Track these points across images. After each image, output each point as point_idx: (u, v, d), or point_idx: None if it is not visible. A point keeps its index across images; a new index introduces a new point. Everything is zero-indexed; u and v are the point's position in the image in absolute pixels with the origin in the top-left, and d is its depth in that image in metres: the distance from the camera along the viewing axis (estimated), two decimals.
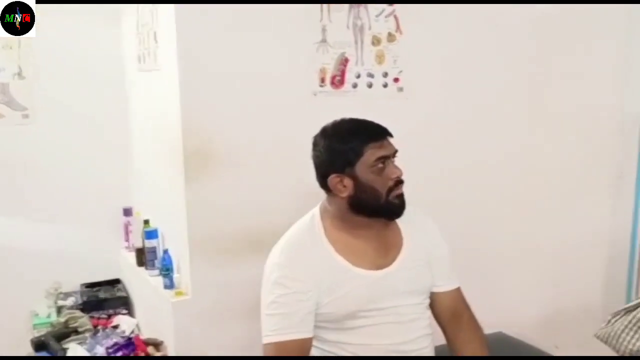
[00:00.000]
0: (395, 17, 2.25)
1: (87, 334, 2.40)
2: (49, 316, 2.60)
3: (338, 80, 2.19)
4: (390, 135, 1.44)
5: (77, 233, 2.77)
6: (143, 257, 2.38)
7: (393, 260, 1.43)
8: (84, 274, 2.81)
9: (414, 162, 2.29)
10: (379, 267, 1.41)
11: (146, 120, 2.51)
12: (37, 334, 2.45)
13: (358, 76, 2.22)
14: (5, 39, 2.50)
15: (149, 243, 2.32)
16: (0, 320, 2.56)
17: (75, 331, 2.48)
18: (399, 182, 1.40)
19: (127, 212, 2.73)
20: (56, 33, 2.56)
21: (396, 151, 1.43)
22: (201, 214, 2.03)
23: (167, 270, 2.13)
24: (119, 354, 2.14)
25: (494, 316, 1.89)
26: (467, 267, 2.41)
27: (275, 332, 1.33)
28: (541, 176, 2.56)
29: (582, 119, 2.55)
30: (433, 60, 2.33)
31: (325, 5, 2.12)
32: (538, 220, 2.56)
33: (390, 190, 1.38)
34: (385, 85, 2.27)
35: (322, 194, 1.53)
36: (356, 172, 1.37)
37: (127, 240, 2.72)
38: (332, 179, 1.38)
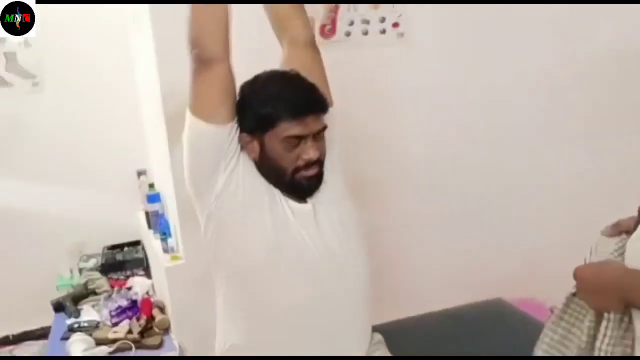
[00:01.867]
0: None
1: (103, 295, 2.47)
2: (71, 278, 2.70)
3: (328, 30, 2.03)
4: (322, 110, 1.27)
5: (98, 196, 2.84)
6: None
7: None
8: (106, 236, 2.88)
9: (420, 118, 2.18)
10: None
11: (144, 83, 2.48)
12: (59, 295, 2.55)
13: (351, 23, 2.05)
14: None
15: (151, 207, 2.32)
16: (27, 281, 2.68)
17: (94, 292, 2.56)
18: (312, 162, 1.26)
19: (141, 174, 2.75)
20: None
21: (322, 128, 1.27)
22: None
23: (164, 234, 2.12)
24: (122, 316, 2.18)
25: None
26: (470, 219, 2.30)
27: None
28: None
29: None
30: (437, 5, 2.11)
31: None
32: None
33: (298, 169, 1.26)
34: (383, 32, 2.09)
35: None
36: (264, 140, 1.26)
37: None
38: (243, 136, 1.28)
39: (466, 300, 1.87)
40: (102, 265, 2.67)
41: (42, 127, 2.69)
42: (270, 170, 1.28)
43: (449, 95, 2.18)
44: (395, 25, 2.09)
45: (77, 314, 2.35)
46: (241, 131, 1.28)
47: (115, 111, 2.79)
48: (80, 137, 2.77)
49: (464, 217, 2.31)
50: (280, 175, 1.27)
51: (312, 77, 1.32)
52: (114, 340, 2.08)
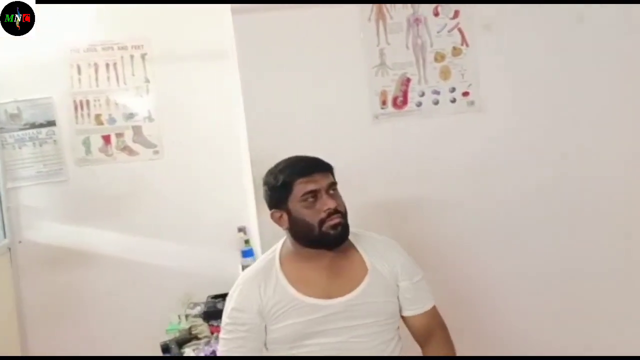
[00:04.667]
0: (460, 30, 2.20)
1: (204, 340, 2.74)
2: (179, 323, 3.01)
3: (400, 101, 2.21)
4: (326, 169, 1.52)
5: (204, 250, 3.15)
6: None
7: (353, 288, 1.47)
8: (211, 286, 3.18)
9: (489, 180, 2.24)
10: (330, 295, 1.46)
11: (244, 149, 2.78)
12: (167, 338, 2.86)
13: (422, 94, 2.21)
14: (135, 88, 2.99)
15: (244, 261, 2.57)
16: (142, 326, 3.03)
17: (197, 337, 2.83)
18: (333, 212, 1.44)
19: (241, 230, 3.04)
20: (174, 82, 3.00)
21: (332, 183, 1.50)
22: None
23: None
24: None
25: None
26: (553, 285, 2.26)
27: (223, 350, 1.50)
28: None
29: None
30: (507, 70, 2.23)
31: (381, 28, 2.17)
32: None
33: (323, 221, 1.45)
34: (453, 101, 2.22)
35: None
36: (289, 207, 1.47)
37: None
38: (273, 214, 1.51)
39: None
40: (204, 312, 2.95)
41: (159, 189, 3.09)
42: (302, 231, 1.48)
43: (521, 159, 2.23)
44: (466, 94, 2.22)
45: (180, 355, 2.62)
46: (270, 210, 1.51)
47: (221, 174, 3.12)
48: (191, 197, 3.12)
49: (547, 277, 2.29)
50: (311, 231, 1.46)
51: None
52: None
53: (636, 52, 2.22)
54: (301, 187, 1.46)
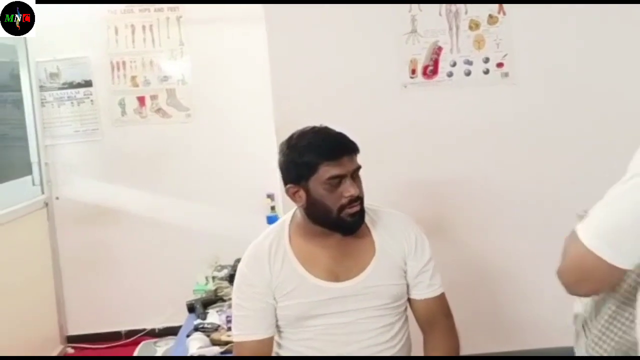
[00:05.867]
0: None
1: (228, 302, 2.79)
2: (206, 284, 3.07)
3: (430, 71, 2.14)
4: (354, 152, 1.41)
5: (233, 214, 3.20)
6: None
7: (360, 271, 1.42)
8: (239, 250, 3.20)
9: (519, 156, 2.15)
10: (337, 277, 1.41)
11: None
12: (194, 298, 2.93)
13: (454, 64, 2.13)
14: (170, 50, 3.01)
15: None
16: (172, 284, 3.10)
17: (222, 299, 2.89)
18: (354, 200, 1.37)
19: (270, 196, 3.06)
20: (211, 44, 3.00)
21: (357, 168, 1.41)
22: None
23: None
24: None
25: None
26: None
27: (237, 333, 1.46)
28: None
29: None
30: (544, 41, 2.11)
31: None
32: None
33: (343, 207, 1.37)
34: (486, 72, 2.13)
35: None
36: (309, 186, 1.39)
37: None
38: (289, 189, 1.43)
39: None
40: (230, 275, 3.00)
41: (190, 152, 3.13)
42: (318, 212, 1.41)
43: (553, 133, 2.14)
44: (500, 65, 2.13)
45: (204, 316, 2.67)
46: (286, 184, 1.44)
47: (252, 140, 3.12)
48: (222, 162, 3.16)
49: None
50: (328, 215, 1.39)
51: None
52: (226, 343, 2.35)
53: None
54: (327, 169, 1.36)
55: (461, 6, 2.10)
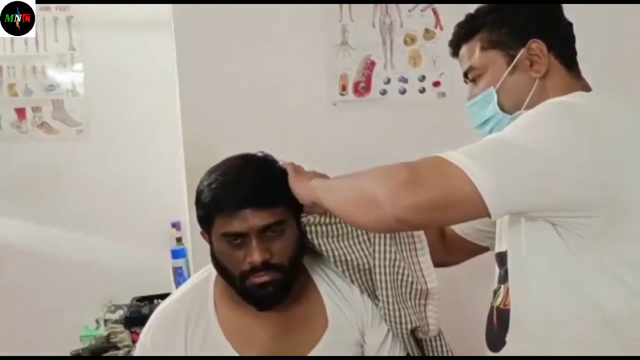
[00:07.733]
0: (434, 11, 1.93)
1: (124, 351, 2.38)
2: (97, 328, 2.64)
3: (362, 88, 1.92)
4: (266, 205, 1.05)
5: (133, 246, 2.81)
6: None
7: (307, 350, 1.11)
8: (138, 287, 2.82)
9: None
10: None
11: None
12: (81, 346, 2.49)
13: (387, 81, 1.93)
14: (59, 55, 2.60)
15: (175, 263, 2.25)
16: (55, 330, 2.64)
17: (115, 346, 2.48)
18: (258, 268, 1.04)
19: (175, 226, 2.70)
20: (108, 50, 2.62)
21: (273, 224, 1.06)
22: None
23: None
24: None
25: None
26: None
27: None
28: None
29: None
30: None
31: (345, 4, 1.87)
32: None
33: (245, 275, 1.06)
34: (422, 91, 1.95)
35: None
36: (212, 238, 1.09)
37: None
38: (201, 233, 1.13)
39: None
40: (126, 317, 2.59)
41: (83, 174, 2.72)
42: (222, 274, 1.10)
43: None
44: (437, 84, 1.95)
45: None
46: (200, 225, 1.13)
47: (156, 160, 2.78)
48: (120, 186, 2.76)
49: None
50: (232, 281, 1.09)
51: None
52: None
53: None
54: (222, 223, 1.05)
55: (396, 18, 1.91)
